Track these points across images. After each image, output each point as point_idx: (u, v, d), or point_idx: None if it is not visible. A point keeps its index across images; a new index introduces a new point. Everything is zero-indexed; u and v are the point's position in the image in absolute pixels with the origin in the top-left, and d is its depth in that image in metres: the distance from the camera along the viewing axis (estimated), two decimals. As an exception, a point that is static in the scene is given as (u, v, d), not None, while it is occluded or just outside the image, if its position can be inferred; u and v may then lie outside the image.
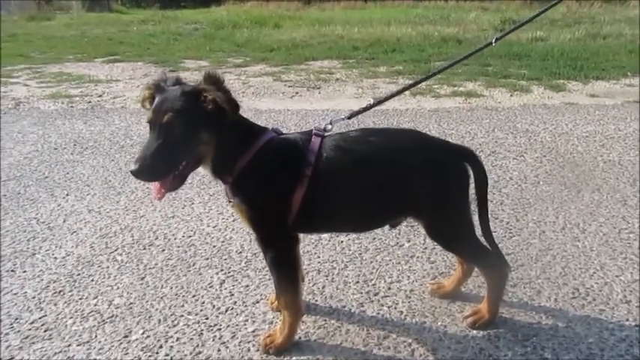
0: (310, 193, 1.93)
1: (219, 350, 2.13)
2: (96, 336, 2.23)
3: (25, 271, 2.72)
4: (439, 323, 2.25)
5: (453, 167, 2.04)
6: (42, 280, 2.65)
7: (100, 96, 6.66)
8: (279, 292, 2.10)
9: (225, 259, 2.80)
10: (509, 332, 2.17)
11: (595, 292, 2.43)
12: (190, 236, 3.06)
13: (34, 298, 2.50)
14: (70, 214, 3.37)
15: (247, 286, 2.56)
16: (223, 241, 3.00)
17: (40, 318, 2.35)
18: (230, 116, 1.83)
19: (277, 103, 6.27)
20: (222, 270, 2.70)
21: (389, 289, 2.51)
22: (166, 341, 2.19)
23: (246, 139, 1.94)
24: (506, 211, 3.26)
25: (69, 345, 2.18)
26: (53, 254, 2.89)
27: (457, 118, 5.39)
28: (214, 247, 2.94)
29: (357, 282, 2.57)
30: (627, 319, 2.24)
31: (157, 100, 1.83)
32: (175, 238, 3.04)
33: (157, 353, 2.12)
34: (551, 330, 2.18)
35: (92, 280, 2.64)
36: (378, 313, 2.33)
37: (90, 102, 6.35)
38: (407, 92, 6.46)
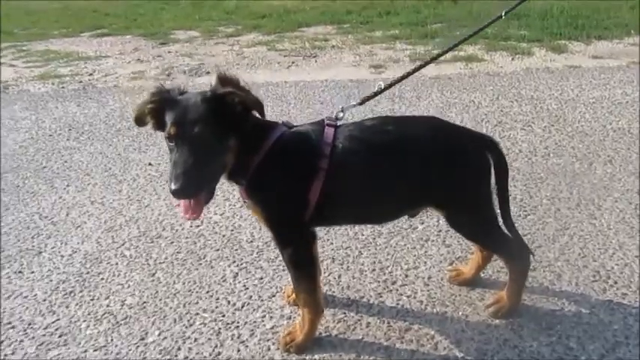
0: (328, 186, 1.86)
1: (238, 350, 2.09)
2: (112, 339, 2.19)
3: (32, 272, 2.66)
4: (460, 313, 2.22)
5: (474, 156, 1.98)
6: (51, 280, 2.59)
7: (91, 74, 6.45)
8: (298, 290, 2.05)
9: (237, 250, 2.75)
10: (532, 321, 2.14)
11: (616, 274, 2.39)
12: (198, 226, 2.99)
13: (44, 300, 2.45)
14: (73, 207, 3.29)
15: (261, 278, 2.52)
16: (232, 230, 2.94)
17: (53, 322, 2.31)
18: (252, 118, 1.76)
19: (274, 74, 6.10)
20: (234, 262, 2.65)
21: (406, 276, 2.47)
22: (184, 342, 2.15)
23: (258, 138, 1.85)
24: (518, 187, 3.20)
25: (85, 350, 2.14)
26: (59, 252, 2.82)
27: (459, 86, 5.26)
28: (224, 236, 2.88)
29: (373, 270, 2.53)
30: (650, 302, 2.21)
31: (175, 111, 1.70)
32: (183, 229, 2.98)
33: (176, 356, 2.08)
34: (574, 317, 2.15)
35: (102, 279, 2.58)
36: (398, 304, 2.29)
37: (81, 82, 6.15)
38: (407, 59, 6.32)
